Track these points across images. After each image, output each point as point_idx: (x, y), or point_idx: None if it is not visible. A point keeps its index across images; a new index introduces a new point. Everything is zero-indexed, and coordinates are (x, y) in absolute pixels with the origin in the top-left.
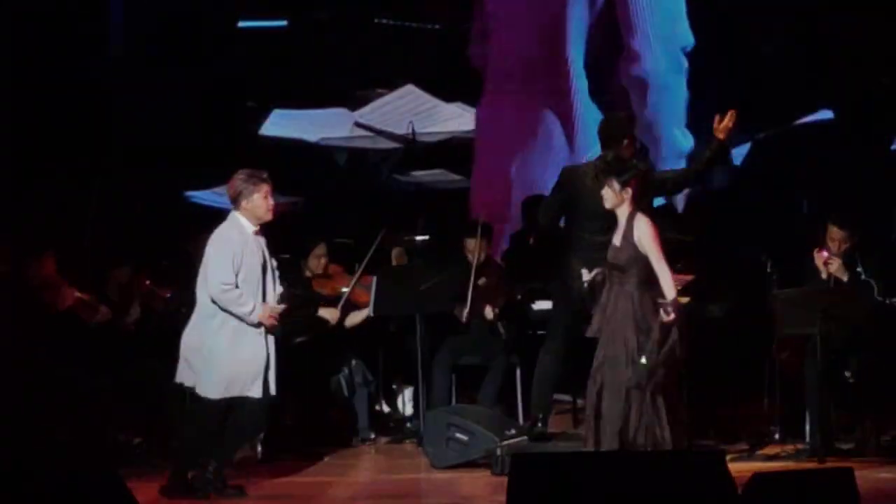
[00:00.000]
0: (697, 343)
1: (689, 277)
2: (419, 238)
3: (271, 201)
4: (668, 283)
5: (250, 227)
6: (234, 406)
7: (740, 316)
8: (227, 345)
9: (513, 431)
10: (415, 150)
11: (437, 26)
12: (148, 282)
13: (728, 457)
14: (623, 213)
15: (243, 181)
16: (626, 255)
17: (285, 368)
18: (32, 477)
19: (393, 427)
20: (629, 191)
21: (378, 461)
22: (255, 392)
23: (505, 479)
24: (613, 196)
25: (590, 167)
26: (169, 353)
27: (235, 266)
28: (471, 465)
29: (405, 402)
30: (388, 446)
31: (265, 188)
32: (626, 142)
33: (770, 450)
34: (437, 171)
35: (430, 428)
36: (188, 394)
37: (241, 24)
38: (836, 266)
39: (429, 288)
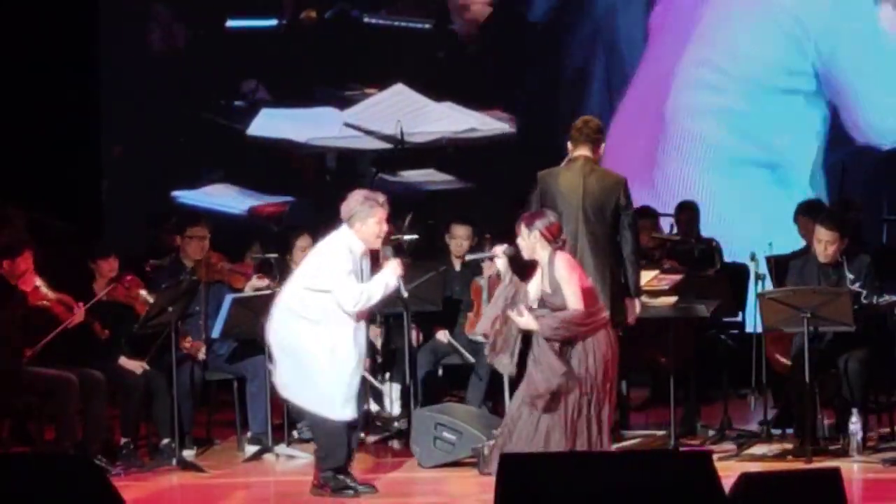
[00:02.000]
0: (685, 343)
1: (678, 277)
2: (407, 238)
3: (385, 227)
4: (572, 302)
5: (360, 247)
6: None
7: (727, 315)
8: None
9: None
10: (404, 151)
11: (427, 25)
12: (130, 277)
13: (715, 457)
14: (542, 257)
15: (360, 203)
16: (559, 298)
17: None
18: (17, 476)
19: (380, 426)
20: (537, 234)
21: (365, 460)
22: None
23: (492, 479)
24: (525, 243)
25: (563, 170)
26: (158, 352)
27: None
28: (458, 464)
29: (393, 401)
30: (375, 445)
31: (381, 214)
32: (602, 146)
33: (757, 450)
34: (426, 171)
35: (417, 427)
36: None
37: (229, 23)
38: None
39: (416, 287)
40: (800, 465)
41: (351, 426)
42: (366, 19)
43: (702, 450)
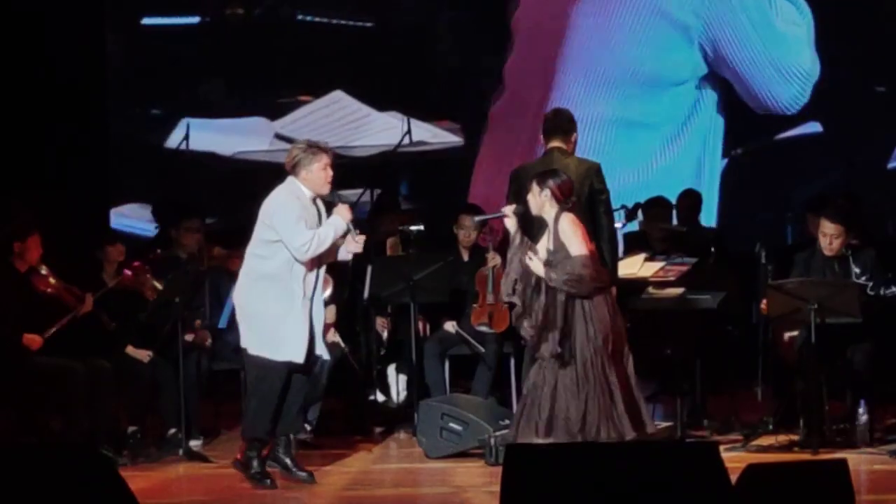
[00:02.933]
0: (691, 334)
1: (684, 268)
2: (413, 228)
3: (330, 172)
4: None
5: (308, 193)
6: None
7: (734, 306)
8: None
9: (507, 421)
10: (342, 167)
11: (369, 24)
12: (137, 263)
13: (721, 448)
14: (549, 215)
15: (302, 150)
16: (562, 255)
17: None
18: (24, 467)
19: (387, 417)
20: (548, 193)
21: (372, 451)
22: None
23: (499, 469)
24: (535, 200)
25: (536, 165)
26: (165, 341)
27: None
28: (465, 455)
29: (399, 392)
30: (381, 436)
31: (325, 159)
32: (574, 136)
33: (764, 441)
34: (361, 190)
35: (423, 418)
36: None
37: (145, 20)
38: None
39: (422, 277)
40: (806, 456)
41: (290, 389)
42: (300, 17)
43: (708, 441)
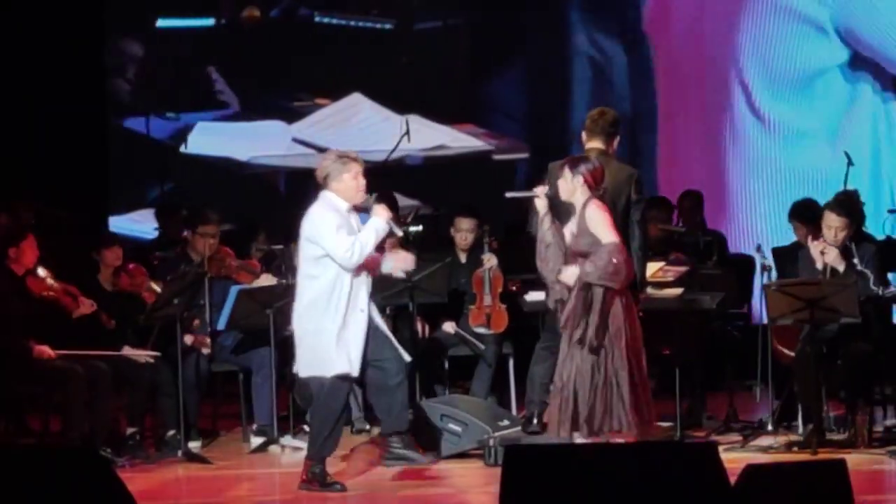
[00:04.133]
0: (690, 334)
1: (683, 269)
2: (412, 229)
3: (363, 181)
4: (605, 235)
5: (344, 204)
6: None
7: (733, 307)
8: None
9: (506, 422)
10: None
11: (388, 26)
12: (133, 266)
13: (720, 448)
14: (578, 201)
15: (332, 161)
16: (585, 240)
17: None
18: (22, 468)
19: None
20: (580, 179)
21: (371, 451)
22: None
23: (498, 470)
24: (566, 185)
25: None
26: (162, 343)
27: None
28: (464, 455)
29: None
30: (381, 437)
31: (355, 168)
32: (616, 139)
33: (762, 441)
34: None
35: (422, 418)
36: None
37: (160, 23)
38: (832, 256)
39: (421, 278)
40: (805, 456)
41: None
42: (318, 18)
43: (707, 441)
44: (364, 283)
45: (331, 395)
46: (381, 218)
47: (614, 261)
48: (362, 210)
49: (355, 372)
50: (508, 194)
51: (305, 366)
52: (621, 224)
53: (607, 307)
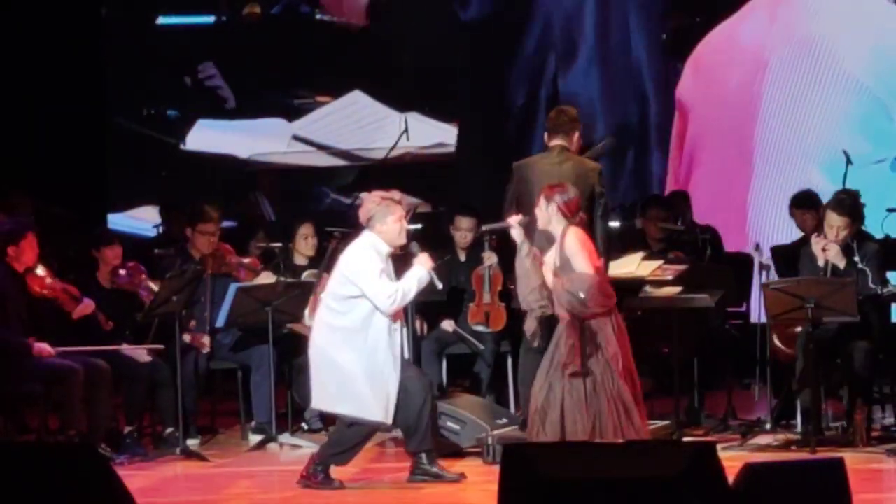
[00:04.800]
0: (688, 333)
1: (682, 267)
2: (410, 227)
3: (406, 224)
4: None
5: (385, 248)
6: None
7: (731, 306)
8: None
9: (504, 420)
10: (361, 169)
11: (388, 23)
12: (132, 264)
13: (719, 447)
14: (556, 230)
15: (376, 204)
16: (568, 272)
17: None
18: (21, 465)
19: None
20: (554, 208)
21: (369, 449)
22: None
23: (496, 468)
24: (542, 214)
25: (536, 159)
26: (160, 341)
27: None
28: (462, 453)
29: None
30: (379, 435)
31: (399, 211)
32: (577, 135)
33: (761, 440)
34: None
35: None
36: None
37: (161, 20)
38: (833, 252)
39: None
40: (804, 455)
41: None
42: (318, 16)
43: (705, 440)
44: (398, 324)
45: (360, 428)
46: (424, 268)
47: (582, 294)
48: (400, 252)
49: (390, 421)
50: (485, 227)
51: (331, 399)
52: (586, 218)
53: (603, 334)
